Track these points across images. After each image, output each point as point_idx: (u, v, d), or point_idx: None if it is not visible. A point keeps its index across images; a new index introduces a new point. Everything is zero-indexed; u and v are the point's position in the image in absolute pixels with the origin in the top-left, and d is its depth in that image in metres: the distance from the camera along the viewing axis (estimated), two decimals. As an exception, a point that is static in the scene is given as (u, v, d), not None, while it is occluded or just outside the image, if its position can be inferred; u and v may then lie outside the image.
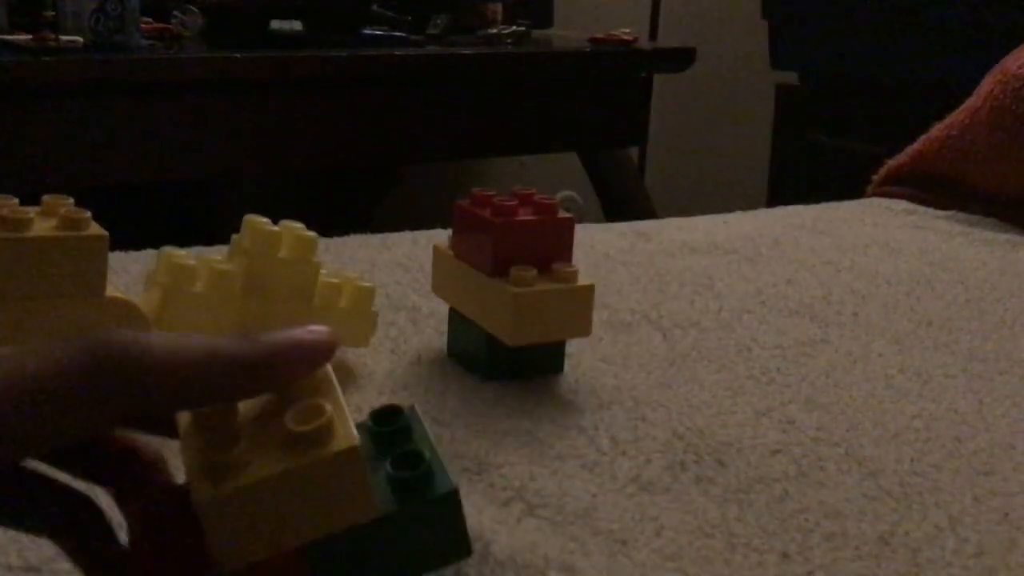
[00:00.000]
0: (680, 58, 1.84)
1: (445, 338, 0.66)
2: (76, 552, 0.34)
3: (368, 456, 0.34)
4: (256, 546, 0.31)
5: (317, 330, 0.33)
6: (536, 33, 1.89)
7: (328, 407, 0.32)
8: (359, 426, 0.34)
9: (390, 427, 0.36)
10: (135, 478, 0.35)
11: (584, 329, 0.61)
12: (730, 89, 2.43)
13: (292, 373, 0.32)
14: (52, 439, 0.28)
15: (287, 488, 0.31)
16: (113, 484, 0.35)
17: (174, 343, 0.30)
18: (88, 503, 0.34)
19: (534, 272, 0.58)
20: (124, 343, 0.29)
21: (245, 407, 0.33)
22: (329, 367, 0.34)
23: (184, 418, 0.33)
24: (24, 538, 0.42)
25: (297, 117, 1.47)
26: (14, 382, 0.27)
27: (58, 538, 0.34)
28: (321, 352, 0.33)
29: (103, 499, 0.35)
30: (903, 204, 1.17)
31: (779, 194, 2.01)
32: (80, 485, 0.35)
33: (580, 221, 0.74)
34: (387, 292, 0.76)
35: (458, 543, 0.36)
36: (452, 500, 0.34)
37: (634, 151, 2.18)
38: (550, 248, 0.60)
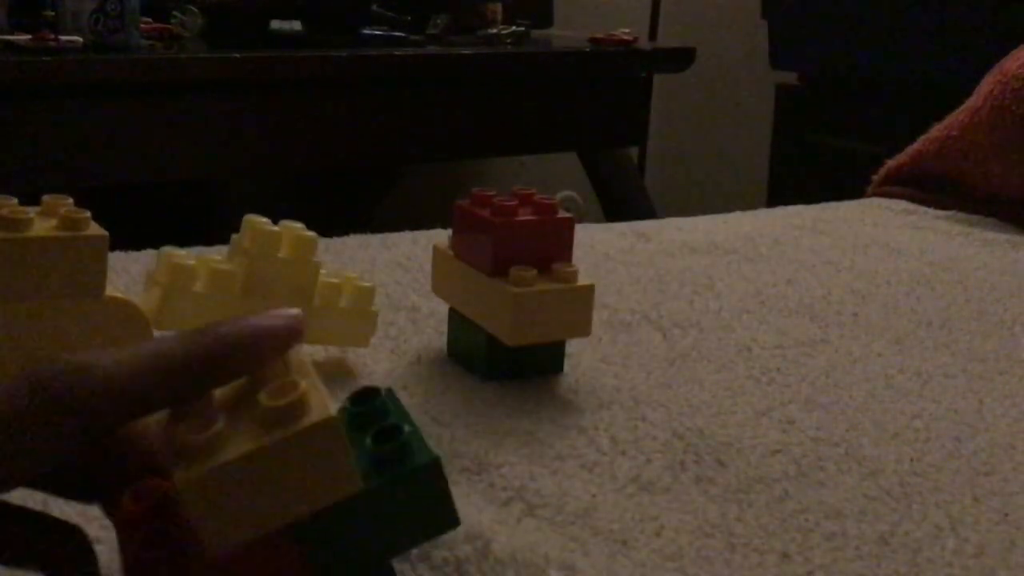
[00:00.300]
0: (680, 58, 1.84)
1: (445, 338, 0.66)
2: None
3: (348, 436, 0.35)
4: (241, 527, 0.31)
5: (281, 314, 0.33)
6: (536, 33, 1.89)
7: (302, 383, 0.31)
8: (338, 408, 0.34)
9: (368, 407, 0.36)
10: (120, 488, 0.35)
11: (584, 329, 0.61)
12: (730, 89, 2.43)
13: (257, 361, 0.32)
14: (6, 481, 0.29)
15: (265, 465, 0.31)
16: (100, 498, 0.35)
17: (117, 358, 0.30)
18: (76, 532, 0.35)
19: (534, 272, 0.58)
20: (60, 371, 0.29)
21: (222, 391, 0.33)
22: (302, 352, 0.34)
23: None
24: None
25: (297, 117, 1.47)
26: None
27: (48, 571, 0.34)
28: (286, 336, 0.33)
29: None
30: (903, 204, 1.17)
31: (779, 194, 2.01)
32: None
33: (580, 221, 0.74)
34: (387, 292, 0.76)
35: (444, 514, 0.35)
36: (433, 470, 0.34)
37: (634, 151, 2.18)
38: (550, 248, 0.60)
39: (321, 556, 0.34)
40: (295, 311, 0.33)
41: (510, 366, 0.61)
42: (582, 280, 0.60)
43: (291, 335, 0.33)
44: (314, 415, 0.31)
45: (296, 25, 1.61)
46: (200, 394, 0.32)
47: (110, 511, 0.35)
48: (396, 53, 1.52)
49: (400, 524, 0.35)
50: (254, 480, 0.31)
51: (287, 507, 0.31)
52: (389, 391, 0.37)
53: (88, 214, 0.49)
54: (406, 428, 0.35)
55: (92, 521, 0.40)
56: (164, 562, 0.32)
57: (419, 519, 0.35)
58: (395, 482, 0.34)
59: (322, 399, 0.32)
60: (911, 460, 0.54)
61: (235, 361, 0.32)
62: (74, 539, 0.35)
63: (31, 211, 0.48)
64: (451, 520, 0.36)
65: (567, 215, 0.61)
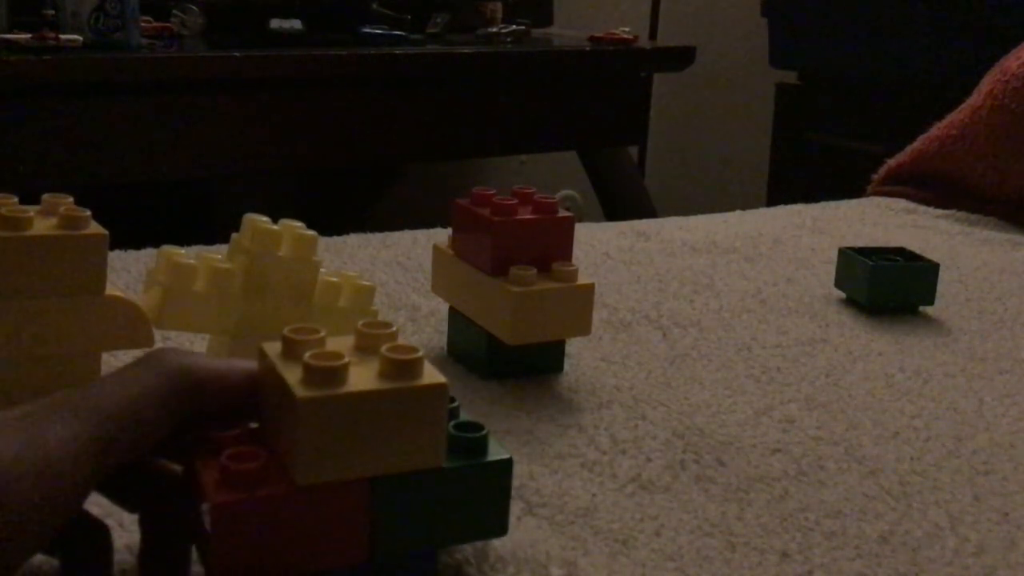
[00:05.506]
0: (680, 57, 1.84)
1: (445, 338, 0.66)
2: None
3: None
4: (333, 465, 0.33)
5: None
6: (536, 32, 1.89)
7: (420, 350, 0.35)
8: None
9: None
10: (159, 501, 0.37)
11: (584, 328, 0.61)
12: (730, 88, 2.43)
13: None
14: (143, 448, 0.34)
15: (378, 408, 0.33)
16: (139, 507, 0.37)
17: (218, 366, 0.36)
18: (101, 528, 0.36)
19: (534, 271, 0.58)
20: (186, 366, 0.35)
21: (336, 341, 0.36)
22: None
23: (272, 348, 0.35)
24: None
25: (297, 116, 1.47)
26: (122, 405, 0.33)
27: (68, 562, 0.35)
28: None
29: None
30: (903, 203, 1.17)
31: (779, 194, 2.01)
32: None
33: (580, 220, 0.74)
34: (387, 291, 0.76)
35: (499, 517, 0.38)
36: (506, 467, 0.37)
37: (634, 150, 2.18)
38: (550, 247, 0.60)
39: (385, 524, 0.35)
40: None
41: (510, 366, 0.61)
42: (582, 279, 0.60)
43: None
44: (427, 378, 0.34)
45: (296, 24, 1.61)
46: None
47: (142, 518, 0.37)
48: (396, 52, 1.51)
49: (460, 514, 0.37)
50: (362, 421, 0.33)
51: (378, 459, 0.34)
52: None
53: (88, 213, 0.49)
54: (485, 427, 0.38)
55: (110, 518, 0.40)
56: (245, 481, 0.33)
57: (477, 514, 0.37)
58: (472, 469, 0.36)
59: (433, 369, 0.35)
60: (911, 459, 0.54)
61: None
62: (96, 535, 0.36)
63: (31, 210, 0.48)
64: (501, 526, 0.38)
65: (567, 214, 0.61)
